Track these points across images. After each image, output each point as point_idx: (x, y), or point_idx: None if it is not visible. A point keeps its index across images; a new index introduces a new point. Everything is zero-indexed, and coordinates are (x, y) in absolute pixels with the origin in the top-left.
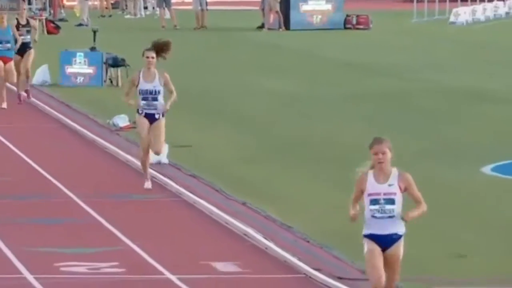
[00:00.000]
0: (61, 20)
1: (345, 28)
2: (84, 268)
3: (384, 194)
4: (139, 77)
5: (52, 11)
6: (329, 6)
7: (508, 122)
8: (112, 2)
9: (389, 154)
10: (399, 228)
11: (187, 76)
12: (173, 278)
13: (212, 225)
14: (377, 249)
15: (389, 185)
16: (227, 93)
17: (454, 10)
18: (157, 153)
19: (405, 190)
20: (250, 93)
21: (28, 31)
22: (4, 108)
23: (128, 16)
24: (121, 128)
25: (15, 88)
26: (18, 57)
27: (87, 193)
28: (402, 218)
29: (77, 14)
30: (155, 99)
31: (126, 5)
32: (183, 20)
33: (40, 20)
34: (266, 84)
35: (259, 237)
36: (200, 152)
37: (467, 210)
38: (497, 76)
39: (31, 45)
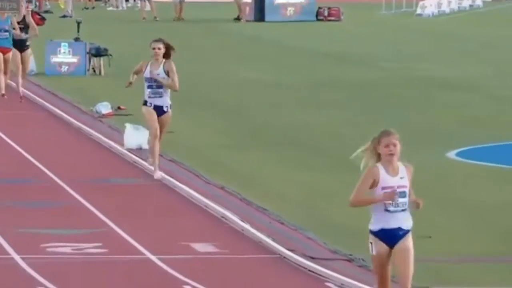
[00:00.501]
0: (46, 12)
1: (317, 19)
2: (69, 248)
3: (398, 187)
4: (147, 66)
5: (37, 3)
6: None
7: (471, 110)
8: None
9: (399, 146)
10: (409, 221)
11: None
12: (153, 258)
13: (192, 208)
14: (385, 253)
15: (401, 177)
16: (204, 81)
17: (421, 2)
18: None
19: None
20: (226, 82)
21: (22, 28)
22: (3, 94)
23: (110, 8)
24: (104, 115)
25: (13, 84)
26: (18, 54)
27: (72, 177)
28: (417, 205)
29: (62, 6)
30: (160, 87)
31: None
32: (163, 12)
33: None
34: (241, 73)
35: (236, 219)
36: (179, 139)
37: (433, 193)
38: (461, 65)
39: (27, 43)
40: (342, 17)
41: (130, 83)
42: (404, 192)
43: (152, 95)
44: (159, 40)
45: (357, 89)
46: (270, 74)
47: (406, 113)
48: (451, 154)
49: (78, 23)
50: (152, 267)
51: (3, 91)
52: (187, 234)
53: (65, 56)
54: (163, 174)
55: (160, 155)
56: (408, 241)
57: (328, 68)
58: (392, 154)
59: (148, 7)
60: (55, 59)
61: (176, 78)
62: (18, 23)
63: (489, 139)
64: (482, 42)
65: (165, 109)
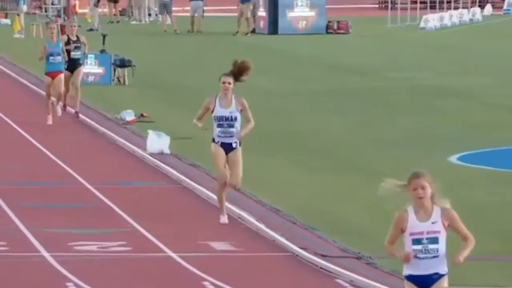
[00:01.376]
0: None
1: (327, 32)
2: (95, 247)
3: (427, 233)
4: (215, 103)
5: (66, 17)
6: (313, 13)
7: (471, 116)
8: (120, 9)
9: (429, 189)
10: (442, 267)
11: (184, 74)
12: (174, 255)
13: (210, 209)
14: None
15: (433, 222)
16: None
17: (424, 17)
18: (234, 187)
19: (449, 226)
20: (241, 90)
21: (77, 47)
22: (50, 124)
23: (134, 22)
24: (128, 122)
25: (54, 99)
26: (68, 73)
27: (98, 180)
28: (454, 262)
29: (89, 20)
30: (231, 126)
31: (132, 12)
32: (183, 26)
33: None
34: (256, 82)
35: (251, 219)
36: (197, 144)
37: None
38: (461, 74)
39: (80, 61)
40: (350, 30)
41: (199, 125)
42: (434, 238)
43: (222, 135)
44: (229, 74)
45: (364, 97)
46: (282, 83)
47: (409, 119)
48: (453, 159)
49: (104, 36)
50: (173, 264)
51: (51, 117)
52: (206, 234)
53: (91, 67)
54: (226, 220)
55: (191, 165)
56: (442, 285)
57: (337, 78)
58: (421, 198)
59: (168, 21)
60: (83, 70)
61: (251, 116)
62: (74, 42)
63: (489, 144)
64: (481, 53)
65: (233, 145)
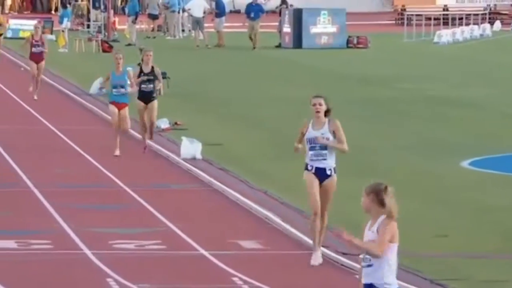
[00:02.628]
0: (113, 40)
1: (348, 47)
2: (133, 245)
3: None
4: (308, 126)
5: (106, 33)
6: (334, 29)
7: (481, 125)
8: (157, 26)
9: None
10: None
11: (215, 85)
12: (206, 253)
13: (238, 210)
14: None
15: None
16: (248, 99)
17: (438, 32)
18: (323, 222)
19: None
20: (267, 100)
21: (150, 80)
22: (117, 155)
23: (168, 37)
24: (163, 130)
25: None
26: (142, 104)
27: (135, 183)
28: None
29: (127, 36)
30: (324, 148)
31: (167, 28)
32: (214, 41)
33: (96, 40)
34: (281, 92)
35: (277, 220)
36: (227, 150)
37: (449, 198)
38: (472, 85)
39: (154, 94)
40: (369, 45)
41: (297, 149)
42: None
43: (315, 158)
44: (320, 96)
45: (382, 107)
46: (305, 93)
47: (424, 127)
48: (465, 164)
49: (141, 50)
50: (205, 261)
51: (117, 152)
52: (235, 233)
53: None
54: (319, 260)
55: (221, 169)
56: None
57: (356, 88)
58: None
59: (201, 36)
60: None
61: (344, 138)
62: (147, 74)
63: (498, 151)
64: (491, 66)
65: (328, 172)
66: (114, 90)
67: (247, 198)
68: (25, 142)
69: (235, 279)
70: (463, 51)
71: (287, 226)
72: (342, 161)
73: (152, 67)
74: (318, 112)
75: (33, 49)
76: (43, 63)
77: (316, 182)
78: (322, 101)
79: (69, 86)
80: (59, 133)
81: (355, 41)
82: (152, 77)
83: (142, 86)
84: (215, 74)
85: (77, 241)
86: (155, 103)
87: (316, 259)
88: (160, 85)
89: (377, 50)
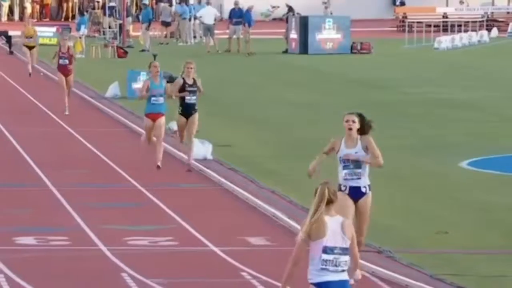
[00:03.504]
0: (128, 46)
1: (352, 52)
2: (146, 241)
3: None
4: (340, 144)
5: (121, 40)
6: (339, 35)
7: (479, 126)
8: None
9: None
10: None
11: (225, 89)
12: (216, 249)
13: (247, 208)
14: None
15: None
16: (256, 102)
17: (437, 38)
18: (360, 243)
19: None
20: (274, 102)
21: (192, 92)
22: (159, 167)
23: (181, 44)
24: (175, 132)
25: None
26: (184, 119)
27: (148, 182)
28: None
29: (141, 42)
30: (359, 167)
31: (180, 35)
32: (224, 47)
33: (112, 46)
34: (287, 95)
35: (284, 217)
36: (236, 150)
37: (449, 196)
38: (470, 89)
39: (196, 107)
40: (372, 50)
41: (316, 167)
42: None
43: (349, 177)
44: (353, 113)
45: (384, 109)
46: (311, 96)
47: (424, 128)
48: (463, 164)
49: (154, 56)
50: (214, 257)
51: (159, 163)
52: (244, 230)
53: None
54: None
55: (231, 169)
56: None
57: (360, 92)
58: None
59: (212, 42)
60: (135, 85)
61: (378, 152)
62: (190, 86)
63: (496, 152)
64: (488, 71)
65: (363, 189)
66: (152, 98)
67: (255, 197)
68: (44, 143)
69: (243, 273)
70: (461, 56)
71: (294, 223)
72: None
73: (194, 79)
74: (350, 129)
75: (60, 61)
76: (71, 77)
77: (351, 204)
78: (356, 118)
79: (86, 90)
80: (77, 135)
81: (358, 47)
82: (195, 89)
83: (186, 98)
84: (225, 78)
85: (93, 238)
86: (196, 115)
87: (356, 276)
88: (200, 94)
89: (380, 56)
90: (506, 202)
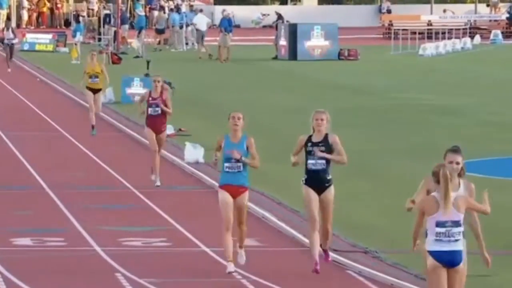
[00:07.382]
0: (122, 53)
1: (339, 59)
2: (140, 242)
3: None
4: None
5: (115, 46)
6: (327, 42)
7: (464, 131)
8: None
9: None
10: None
11: (216, 94)
12: (207, 250)
13: None
14: (442, 269)
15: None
16: (246, 107)
17: (422, 45)
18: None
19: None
20: (264, 107)
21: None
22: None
23: (173, 50)
24: (168, 135)
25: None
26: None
27: (142, 185)
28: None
29: (134, 46)
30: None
31: (175, 41)
32: (214, 53)
33: (106, 53)
34: (277, 100)
35: (274, 219)
36: None
37: None
38: (454, 94)
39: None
40: (359, 57)
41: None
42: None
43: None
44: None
45: (371, 114)
46: (300, 101)
47: (410, 133)
48: None
49: (148, 62)
50: (206, 257)
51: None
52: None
53: (137, 89)
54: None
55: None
56: (463, 269)
57: (347, 97)
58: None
59: (203, 49)
60: (129, 91)
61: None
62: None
63: (479, 155)
64: (472, 77)
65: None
66: (226, 164)
67: None
68: (40, 147)
69: (234, 273)
70: (445, 63)
71: (283, 225)
72: (334, 165)
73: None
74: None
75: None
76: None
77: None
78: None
79: (81, 96)
80: (72, 139)
81: (346, 54)
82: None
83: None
84: (216, 84)
85: (88, 239)
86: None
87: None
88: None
89: (366, 62)
90: (492, 204)
